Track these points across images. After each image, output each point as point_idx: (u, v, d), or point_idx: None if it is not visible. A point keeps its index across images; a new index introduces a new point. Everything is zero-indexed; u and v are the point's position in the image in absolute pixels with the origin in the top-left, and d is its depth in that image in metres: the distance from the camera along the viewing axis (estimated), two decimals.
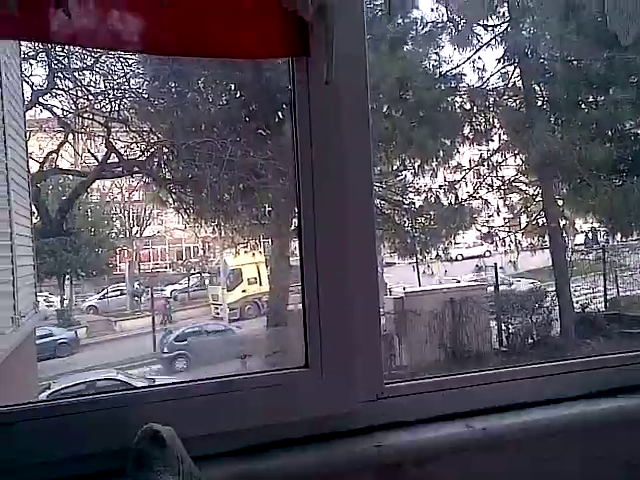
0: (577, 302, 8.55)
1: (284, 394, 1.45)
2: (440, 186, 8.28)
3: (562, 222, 8.60)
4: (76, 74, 7.27)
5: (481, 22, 7.24)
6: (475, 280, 8.98)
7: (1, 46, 5.16)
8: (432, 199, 8.26)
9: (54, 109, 7.51)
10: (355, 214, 1.48)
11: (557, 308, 8.32)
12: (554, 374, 1.67)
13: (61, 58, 7.01)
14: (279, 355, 7.39)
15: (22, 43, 6.00)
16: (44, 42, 5.49)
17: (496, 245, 8.68)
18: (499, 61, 8.06)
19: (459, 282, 9.04)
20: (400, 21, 7.62)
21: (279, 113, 7.34)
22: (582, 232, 9.27)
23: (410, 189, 8.40)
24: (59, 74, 7.13)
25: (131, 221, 9.50)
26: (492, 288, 8.75)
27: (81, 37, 1.22)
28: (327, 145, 1.44)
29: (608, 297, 8.92)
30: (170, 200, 8.06)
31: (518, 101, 8.34)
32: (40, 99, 7.28)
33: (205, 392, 1.41)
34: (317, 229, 1.46)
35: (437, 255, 8.65)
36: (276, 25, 1.33)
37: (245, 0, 1.30)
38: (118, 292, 9.73)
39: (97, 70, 7.22)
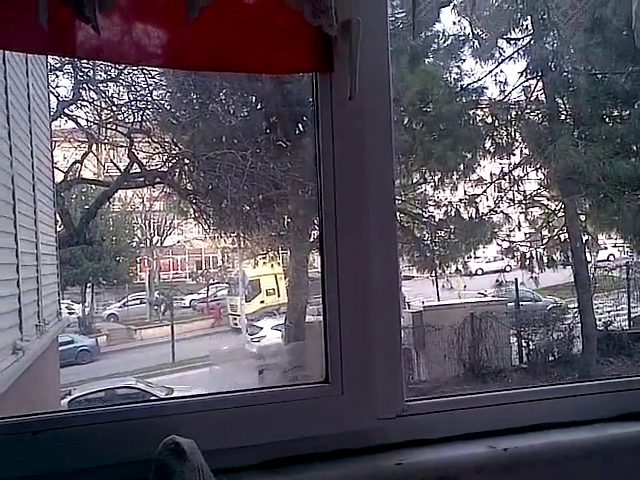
0: (600, 320, 8.43)
1: (304, 409, 1.44)
2: (460, 200, 8.25)
3: (584, 238, 8.51)
4: (100, 86, 7.38)
5: (504, 35, 7.21)
6: (495, 295, 8.89)
7: (29, 59, 5.27)
8: (452, 213, 8.23)
9: (79, 120, 7.63)
10: (377, 228, 1.47)
11: (579, 325, 8.21)
12: (578, 395, 1.64)
13: (86, 70, 7.12)
14: (298, 370, 7.37)
15: (49, 56, 6.09)
16: (70, 57, 5.58)
17: (517, 260, 8.60)
18: (521, 74, 8.04)
19: (482, 295, 8.97)
20: (422, 34, 7.63)
21: (299, 125, 7.37)
22: (605, 248, 9.17)
23: (430, 202, 8.38)
24: (84, 86, 7.24)
25: (152, 231, 9.57)
26: (512, 303, 8.67)
27: (107, 51, 1.23)
28: (349, 159, 1.44)
29: (632, 315, 8.78)
30: (191, 210, 8.12)
31: (540, 115, 8.28)
32: (65, 110, 7.39)
33: (226, 405, 1.40)
34: (339, 242, 1.45)
35: (457, 269, 8.60)
36: (301, 41, 1.34)
37: (271, 17, 1.31)
38: (138, 301, 9.79)
39: (121, 82, 7.32)
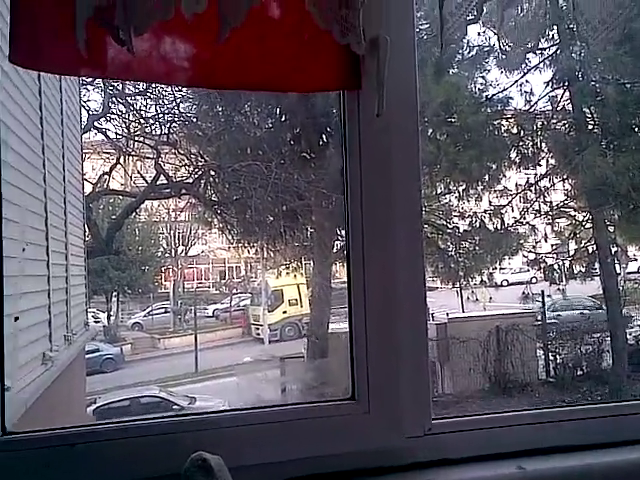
0: (630, 334, 8.28)
1: (330, 427, 1.43)
2: (485, 210, 8.19)
3: (614, 249, 8.39)
4: (129, 99, 7.50)
5: (531, 47, 7.15)
6: (521, 307, 8.79)
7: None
8: (477, 223, 8.17)
9: (108, 132, 7.76)
10: (403, 242, 1.47)
11: (608, 339, 8.07)
12: (610, 416, 1.61)
13: (116, 84, 7.24)
14: (322, 386, 7.34)
15: None
16: (101, 77, 5.65)
17: (543, 272, 8.50)
18: (548, 84, 7.98)
19: (508, 309, 8.87)
20: (441, 46, 7.61)
21: (323, 137, 7.40)
22: (635, 260, 9.03)
23: (454, 213, 8.33)
24: (113, 99, 7.36)
25: (177, 241, 9.66)
26: (539, 316, 8.56)
27: (136, 67, 1.25)
28: (376, 174, 1.44)
29: None
30: (215, 221, 8.18)
31: (567, 125, 8.20)
32: (95, 123, 7.52)
33: (252, 421, 1.40)
34: (365, 255, 1.45)
35: (482, 281, 8.53)
36: (329, 59, 1.34)
37: (299, 35, 1.31)
38: (162, 310, 9.86)
39: (149, 95, 7.43)
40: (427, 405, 1.50)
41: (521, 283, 8.83)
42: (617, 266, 8.49)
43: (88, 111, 7.42)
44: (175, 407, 7.47)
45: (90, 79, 6.94)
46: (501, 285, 9.05)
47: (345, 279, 1.54)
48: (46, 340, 4.96)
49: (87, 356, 7.56)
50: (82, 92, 7.04)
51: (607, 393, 7.46)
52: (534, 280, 8.72)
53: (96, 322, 8.80)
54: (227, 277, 10.18)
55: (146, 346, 9.38)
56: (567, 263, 8.50)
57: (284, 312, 9.23)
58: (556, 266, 8.46)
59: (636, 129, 7.96)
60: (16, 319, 3.88)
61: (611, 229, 8.41)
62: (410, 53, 1.44)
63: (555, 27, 7.57)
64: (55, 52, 1.20)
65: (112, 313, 9.37)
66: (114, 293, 9.25)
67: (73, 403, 6.26)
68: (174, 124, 7.70)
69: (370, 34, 1.30)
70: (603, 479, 1.52)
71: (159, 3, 1.14)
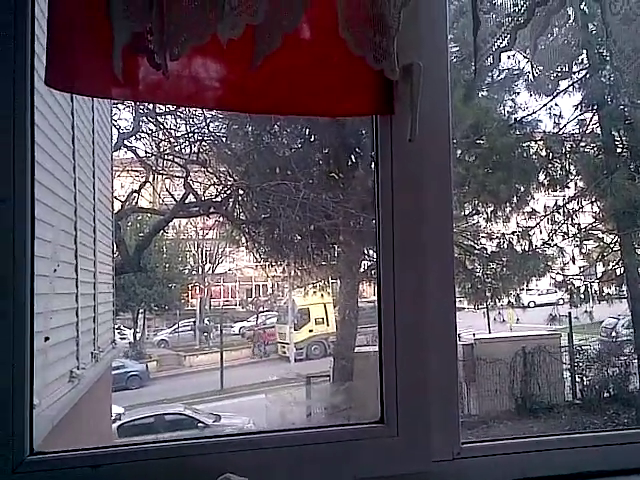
0: None
1: (359, 450, 1.42)
2: (513, 232, 8.14)
3: None
4: (159, 118, 7.60)
5: (560, 70, 7.12)
6: (548, 329, 8.70)
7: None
8: (505, 245, 8.12)
9: (137, 151, 7.87)
10: (435, 264, 1.47)
11: (635, 361, 7.94)
12: None
13: (146, 103, 7.34)
14: (348, 410, 7.30)
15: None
16: (135, 101, 5.73)
17: (571, 294, 8.41)
18: (577, 107, 7.95)
19: (535, 331, 8.77)
20: (475, 74, 7.61)
21: (352, 157, 7.42)
22: None
23: (482, 234, 8.29)
24: (144, 118, 7.47)
25: (204, 258, 9.72)
26: (566, 338, 8.46)
27: (169, 93, 1.27)
28: (408, 198, 1.44)
29: None
30: (243, 239, 8.23)
31: (596, 148, 8.14)
32: (125, 141, 7.63)
33: (279, 444, 1.39)
34: (396, 278, 1.45)
35: (509, 302, 8.46)
36: (363, 84, 1.35)
37: (332, 60, 1.33)
38: (189, 327, 9.91)
39: (179, 114, 7.52)
40: (456, 429, 1.49)
41: (548, 304, 8.74)
42: None
43: (119, 130, 7.55)
44: (200, 425, 7.46)
45: None
46: (528, 306, 8.97)
47: (372, 298, 1.54)
48: (73, 358, 5.00)
49: (113, 372, 7.60)
50: (113, 111, 7.16)
51: (634, 416, 7.32)
52: (561, 302, 8.63)
53: (122, 339, 8.86)
54: (254, 295, 10.21)
55: (172, 363, 9.41)
56: (595, 285, 8.39)
57: (310, 331, 9.22)
58: (583, 288, 8.36)
59: None
60: (46, 339, 3.92)
61: (639, 252, 8.30)
62: (443, 79, 1.45)
63: (585, 51, 7.55)
64: (89, 75, 1.23)
65: (138, 330, 9.44)
66: (141, 310, 9.32)
67: (98, 420, 6.29)
68: (204, 143, 7.78)
69: (404, 60, 1.32)
70: None
71: (196, 28, 1.16)
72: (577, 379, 8.24)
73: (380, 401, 1.47)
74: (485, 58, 1.24)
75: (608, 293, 8.35)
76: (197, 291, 9.93)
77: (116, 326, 7.87)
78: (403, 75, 1.31)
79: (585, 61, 7.73)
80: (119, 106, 7.28)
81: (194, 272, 9.89)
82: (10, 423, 1.23)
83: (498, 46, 1.24)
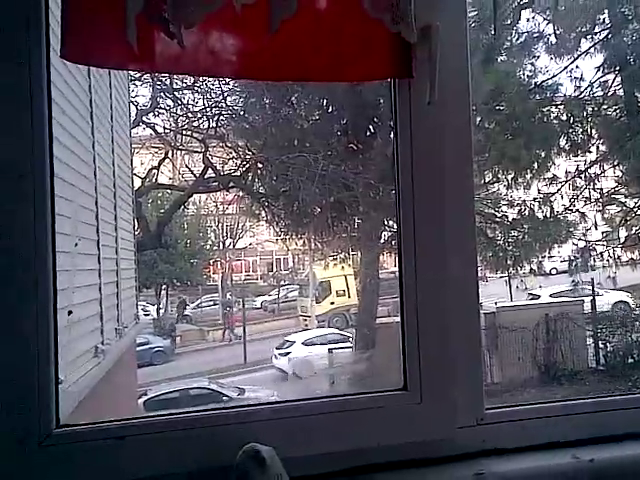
0: None
1: (383, 417, 1.43)
2: (534, 199, 8.06)
3: None
4: (177, 93, 7.59)
5: (582, 30, 6.98)
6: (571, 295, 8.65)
7: (112, 71, 5.46)
8: (526, 212, 8.05)
9: (156, 127, 7.88)
10: (456, 230, 1.45)
11: None
12: None
13: (164, 79, 7.33)
14: (370, 377, 7.34)
15: None
16: (151, 71, 5.71)
17: (593, 260, 8.33)
18: (598, 70, 7.77)
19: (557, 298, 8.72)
20: (494, 32, 7.48)
21: (370, 127, 7.36)
22: None
23: (503, 202, 8.22)
24: (161, 94, 7.46)
25: (225, 233, 9.76)
26: (589, 304, 8.40)
27: (184, 61, 1.26)
28: (428, 163, 1.42)
29: None
30: (263, 213, 8.24)
31: (618, 110, 7.98)
32: (144, 118, 7.64)
33: (303, 413, 1.40)
34: (417, 244, 1.44)
35: (531, 269, 8.42)
36: (380, 48, 1.33)
37: (349, 24, 1.30)
38: (211, 302, 9.98)
39: (196, 89, 7.50)
40: (480, 394, 1.49)
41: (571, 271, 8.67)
42: None
43: (137, 106, 7.55)
44: (224, 398, 7.55)
45: (138, 74, 7.05)
46: (550, 273, 8.91)
47: (394, 269, 1.53)
48: (98, 333, 5.07)
49: (137, 349, 7.69)
50: (131, 87, 7.16)
51: None
52: (584, 268, 8.55)
53: (146, 315, 8.96)
54: (275, 269, 10.26)
55: (195, 338, 9.51)
56: (618, 250, 8.30)
57: (332, 303, 9.25)
58: (606, 254, 8.28)
59: None
60: (70, 313, 3.97)
61: None
62: (462, 40, 1.42)
63: (606, 11, 7.37)
64: (105, 47, 1.22)
65: (161, 306, 9.53)
66: (163, 286, 9.40)
67: (124, 395, 6.38)
68: (221, 117, 7.76)
69: (421, 22, 1.29)
70: None
71: None
72: (600, 345, 8.20)
73: (402, 368, 1.48)
74: (505, 16, 1.21)
75: (632, 258, 8.27)
76: (219, 266, 9.99)
77: (140, 302, 7.95)
78: (421, 37, 1.29)
79: (607, 21, 7.55)
80: (136, 82, 7.29)
81: (215, 247, 9.93)
82: (36, 397, 1.24)
83: (518, 3, 1.21)
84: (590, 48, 7.66)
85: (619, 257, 8.30)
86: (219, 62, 1.28)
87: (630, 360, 7.91)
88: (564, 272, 8.74)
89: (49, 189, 1.28)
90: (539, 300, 8.82)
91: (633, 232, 8.31)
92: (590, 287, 8.41)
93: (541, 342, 7.86)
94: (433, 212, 1.44)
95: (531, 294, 9.02)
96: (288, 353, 8.52)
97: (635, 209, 8.29)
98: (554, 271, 9.08)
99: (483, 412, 1.48)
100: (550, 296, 8.94)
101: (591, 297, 8.39)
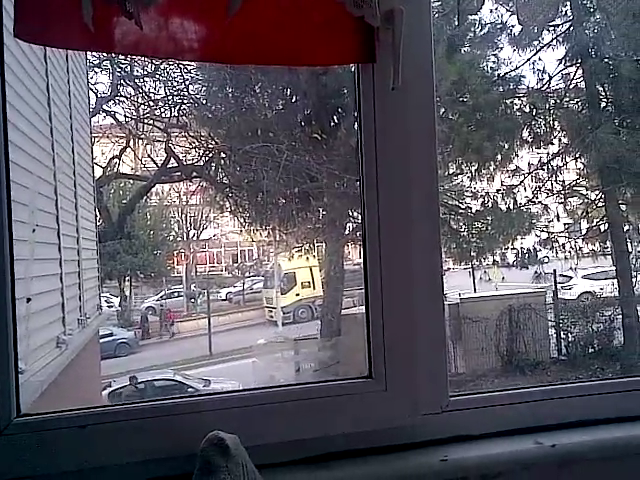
0: None
1: (348, 405, 1.43)
2: (498, 190, 8.14)
3: (626, 228, 8.33)
4: (138, 81, 7.47)
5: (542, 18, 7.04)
6: (533, 287, 8.77)
7: (69, 56, 5.35)
8: (489, 204, 8.12)
9: (117, 115, 7.74)
10: (420, 220, 1.45)
11: (620, 317, 8.04)
12: (624, 391, 1.60)
13: (124, 66, 7.21)
14: (336, 365, 7.37)
15: (88, 52, 6.15)
16: (109, 52, 5.61)
17: (555, 251, 8.46)
18: (560, 62, 7.87)
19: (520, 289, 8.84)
20: (458, 22, 7.52)
21: (334, 117, 7.35)
22: None
23: (467, 193, 8.28)
24: (122, 82, 7.33)
25: (189, 224, 9.67)
26: (551, 295, 8.54)
27: (144, 46, 1.23)
28: (392, 151, 1.41)
29: None
30: (227, 204, 8.17)
31: (580, 103, 8.10)
32: (104, 106, 7.50)
33: (267, 401, 1.40)
34: (381, 234, 1.43)
35: (494, 261, 8.51)
36: (343, 32, 1.31)
37: (311, 8, 1.29)
38: (175, 294, 9.90)
39: (158, 77, 7.39)
40: (444, 382, 1.50)
41: (533, 263, 8.79)
42: (629, 244, 8.43)
43: (96, 94, 7.40)
44: (190, 390, 7.51)
45: (98, 61, 6.92)
46: (513, 265, 9.02)
47: (358, 260, 1.53)
48: (60, 323, 5.00)
49: (101, 340, 7.60)
50: (90, 74, 7.02)
51: (619, 370, 7.45)
52: (546, 260, 8.68)
53: (109, 307, 8.85)
54: (239, 260, 10.20)
55: (159, 330, 9.44)
56: (579, 242, 8.45)
57: (297, 294, 9.24)
58: (568, 245, 8.41)
59: None
60: (28, 300, 3.91)
61: (623, 207, 8.34)
62: (426, 24, 1.41)
63: (568, 3, 7.45)
64: (60, 27, 1.18)
65: (125, 297, 9.42)
66: (127, 277, 9.29)
67: (88, 386, 6.32)
68: (184, 106, 7.66)
69: (385, 6, 1.28)
70: (615, 453, 1.52)
71: None
72: (562, 335, 8.34)
73: (367, 357, 1.48)
74: (467, 3, 1.21)
75: (593, 250, 8.41)
76: (183, 257, 9.90)
77: (103, 294, 7.85)
78: (384, 21, 1.28)
79: (569, 13, 7.65)
80: (96, 69, 7.15)
81: (179, 238, 9.84)
82: None
83: None
84: (552, 40, 7.76)
85: (580, 248, 8.43)
86: (179, 45, 1.25)
87: (591, 350, 8.07)
88: (526, 264, 8.86)
89: (4, 175, 1.24)
90: (502, 291, 8.92)
91: (594, 224, 8.46)
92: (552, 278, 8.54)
93: (504, 333, 7.96)
94: (398, 203, 1.43)
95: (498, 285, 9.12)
96: None
97: (596, 201, 8.43)
98: (517, 262, 9.18)
99: (447, 399, 1.49)
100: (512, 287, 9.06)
101: (554, 288, 8.52)
